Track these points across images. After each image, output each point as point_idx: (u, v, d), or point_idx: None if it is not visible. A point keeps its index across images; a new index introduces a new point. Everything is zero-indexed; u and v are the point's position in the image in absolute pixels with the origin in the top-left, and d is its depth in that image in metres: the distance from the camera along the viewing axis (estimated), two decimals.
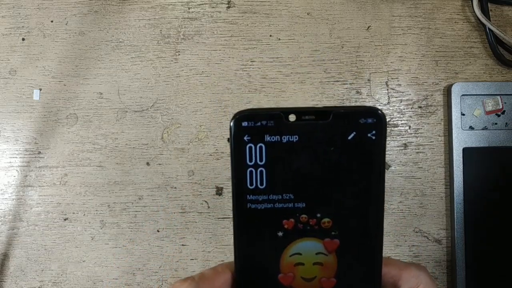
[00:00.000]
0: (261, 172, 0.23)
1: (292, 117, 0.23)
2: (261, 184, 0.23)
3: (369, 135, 0.22)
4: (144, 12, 0.45)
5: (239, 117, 0.23)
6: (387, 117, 0.44)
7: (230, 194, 0.27)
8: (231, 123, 0.23)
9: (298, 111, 0.23)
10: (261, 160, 0.23)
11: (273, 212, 0.23)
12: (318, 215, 0.23)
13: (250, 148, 0.23)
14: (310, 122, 0.23)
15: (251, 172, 0.23)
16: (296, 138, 0.23)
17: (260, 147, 0.23)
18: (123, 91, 0.44)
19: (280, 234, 0.23)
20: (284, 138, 0.23)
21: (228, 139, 0.23)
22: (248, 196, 0.23)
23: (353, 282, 0.24)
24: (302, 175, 0.23)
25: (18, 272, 0.44)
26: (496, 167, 0.42)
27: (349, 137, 0.22)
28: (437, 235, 0.43)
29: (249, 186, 0.23)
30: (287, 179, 0.23)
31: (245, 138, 0.23)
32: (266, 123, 0.23)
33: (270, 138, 0.23)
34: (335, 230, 0.23)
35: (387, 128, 0.22)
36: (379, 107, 0.25)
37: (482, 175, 0.42)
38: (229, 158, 0.23)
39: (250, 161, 0.23)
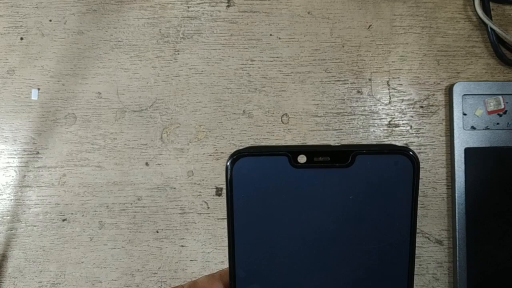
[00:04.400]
0: (263, 226, 0.19)
1: (302, 158, 0.19)
2: (263, 241, 0.19)
3: (398, 182, 0.18)
4: (143, 11, 0.44)
5: (236, 157, 0.19)
6: (388, 117, 0.43)
7: None
8: (228, 164, 0.19)
9: (309, 151, 0.19)
10: (263, 211, 0.19)
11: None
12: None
13: (250, 196, 0.19)
14: (324, 166, 0.18)
15: (250, 226, 0.19)
16: (306, 185, 0.19)
17: (263, 196, 0.19)
18: (122, 91, 0.44)
19: None
20: (291, 184, 0.19)
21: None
22: (243, 248, 0.19)
23: None
24: (314, 231, 0.19)
25: (16, 273, 0.44)
26: (498, 167, 0.42)
27: (374, 186, 0.18)
28: (438, 236, 0.43)
29: (246, 239, 0.19)
30: (294, 237, 0.19)
31: (244, 182, 0.19)
32: (269, 166, 0.19)
33: (274, 184, 0.19)
34: None
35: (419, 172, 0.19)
36: (410, 148, 0.21)
37: (484, 176, 0.41)
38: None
39: (250, 212, 0.19)
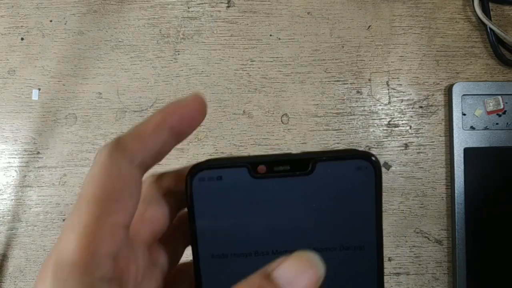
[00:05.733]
0: (226, 239, 0.19)
1: (261, 169, 0.18)
2: (227, 253, 0.19)
3: (360, 187, 0.18)
4: (143, 11, 0.44)
5: (196, 171, 0.19)
6: (387, 117, 0.43)
7: None
8: (187, 178, 0.19)
9: (268, 160, 0.18)
10: (225, 224, 0.19)
11: None
12: None
13: (211, 208, 0.19)
14: (285, 175, 0.18)
15: (212, 237, 0.19)
16: (268, 196, 0.18)
17: (224, 209, 0.19)
18: (122, 91, 0.44)
19: None
20: (252, 196, 0.18)
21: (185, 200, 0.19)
22: (208, 263, 0.19)
23: None
24: (277, 242, 0.18)
25: (17, 272, 0.44)
26: (497, 167, 0.42)
27: (336, 192, 0.18)
28: (438, 235, 0.43)
29: (210, 253, 0.19)
30: (258, 248, 0.18)
31: (204, 196, 0.19)
32: (230, 178, 0.18)
33: (235, 197, 0.18)
34: None
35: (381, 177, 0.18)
36: (371, 152, 0.21)
37: (483, 176, 0.42)
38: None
39: (212, 225, 0.19)
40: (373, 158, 0.18)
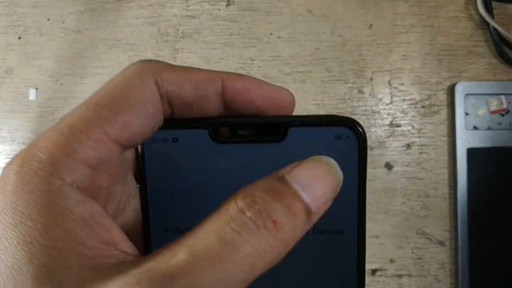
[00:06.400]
0: (180, 208, 0.16)
1: (225, 132, 0.16)
2: (178, 228, 0.16)
3: (340, 159, 0.14)
4: (142, 10, 0.44)
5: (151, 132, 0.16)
6: (389, 117, 0.43)
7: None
8: None
9: (232, 122, 0.16)
10: (180, 192, 0.16)
11: None
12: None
13: (165, 175, 0.16)
14: (251, 140, 0.15)
15: (165, 208, 0.16)
16: (231, 164, 0.15)
17: (179, 175, 0.16)
18: None
19: None
20: (213, 163, 0.15)
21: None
22: (160, 237, 0.16)
23: None
24: None
25: None
26: (500, 168, 0.41)
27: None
28: (440, 237, 0.42)
29: (162, 226, 0.16)
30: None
31: (158, 160, 0.16)
32: (188, 141, 0.16)
33: (193, 163, 0.16)
34: None
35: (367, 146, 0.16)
36: (353, 117, 0.17)
37: (487, 176, 0.41)
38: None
39: (166, 193, 0.16)
40: (357, 126, 0.15)
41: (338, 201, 0.15)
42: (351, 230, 0.16)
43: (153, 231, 0.17)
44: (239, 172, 0.15)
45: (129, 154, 0.17)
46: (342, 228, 0.16)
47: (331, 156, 0.14)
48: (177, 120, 0.16)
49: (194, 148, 0.16)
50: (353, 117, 0.42)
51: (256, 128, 0.16)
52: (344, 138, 0.15)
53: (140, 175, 0.17)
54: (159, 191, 0.16)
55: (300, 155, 0.14)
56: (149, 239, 0.17)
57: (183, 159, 0.16)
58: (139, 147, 0.16)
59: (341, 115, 0.16)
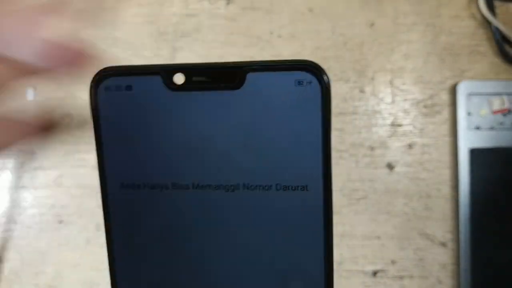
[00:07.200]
0: (135, 159, 0.16)
1: (179, 78, 0.15)
2: (135, 184, 0.16)
3: (302, 106, 0.14)
4: (141, 8, 0.43)
5: (100, 77, 0.16)
6: (391, 117, 0.42)
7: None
8: (91, 86, 0.16)
9: (186, 68, 0.15)
10: (134, 142, 0.15)
11: None
12: None
13: (120, 126, 0.15)
14: (207, 87, 0.15)
15: (121, 162, 0.16)
16: (187, 113, 0.15)
17: (134, 126, 0.15)
18: None
19: None
20: (168, 112, 0.15)
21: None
22: (117, 193, 0.16)
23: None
24: (197, 174, 0.15)
25: (12, 275, 0.43)
26: (503, 168, 0.41)
27: (271, 111, 0.14)
28: (442, 238, 0.42)
29: (119, 182, 0.16)
30: (173, 178, 0.15)
31: (111, 110, 0.16)
32: (141, 87, 0.15)
33: (148, 112, 0.15)
34: None
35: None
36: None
37: (489, 177, 0.41)
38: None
39: (119, 145, 0.16)
40: (320, 71, 0.14)
41: (301, 155, 0.14)
42: (316, 185, 0.15)
43: (110, 188, 0.16)
44: (196, 121, 0.15)
45: None
46: (306, 184, 0.15)
47: (292, 104, 0.13)
48: (129, 67, 0.16)
49: (148, 96, 0.15)
50: (354, 116, 0.42)
51: (212, 74, 0.15)
52: (305, 84, 0.14)
53: (94, 128, 0.16)
54: (113, 144, 0.16)
55: (259, 102, 0.14)
56: (106, 197, 0.16)
57: (137, 108, 0.15)
58: (92, 96, 0.16)
59: (304, 59, 0.15)
